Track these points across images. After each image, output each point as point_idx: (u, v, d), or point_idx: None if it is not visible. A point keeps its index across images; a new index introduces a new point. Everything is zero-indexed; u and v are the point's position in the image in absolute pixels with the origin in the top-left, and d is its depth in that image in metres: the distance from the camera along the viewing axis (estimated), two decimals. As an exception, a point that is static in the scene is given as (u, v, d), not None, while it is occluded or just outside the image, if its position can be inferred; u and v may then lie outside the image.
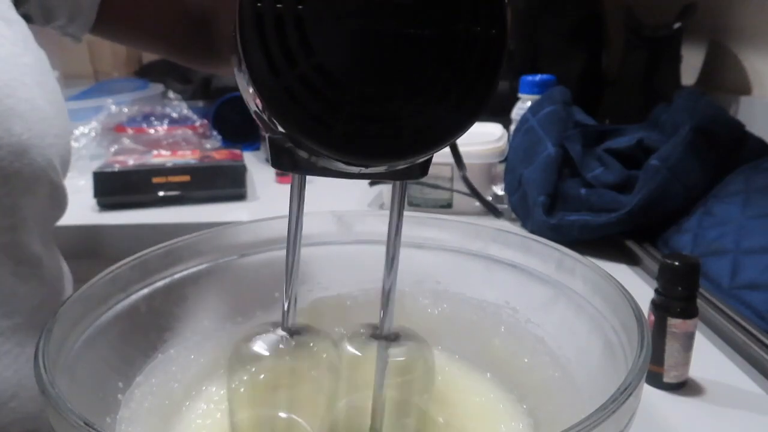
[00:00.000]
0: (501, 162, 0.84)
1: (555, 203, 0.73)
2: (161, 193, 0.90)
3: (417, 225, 0.42)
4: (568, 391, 0.33)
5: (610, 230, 0.70)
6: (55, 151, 0.42)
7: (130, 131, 1.10)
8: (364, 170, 0.22)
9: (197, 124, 1.16)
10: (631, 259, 0.69)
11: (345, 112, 0.19)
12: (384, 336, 0.29)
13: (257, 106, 0.21)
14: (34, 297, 0.43)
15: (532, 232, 0.72)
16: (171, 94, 1.30)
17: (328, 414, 0.30)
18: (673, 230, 0.69)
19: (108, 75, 1.42)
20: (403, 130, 0.20)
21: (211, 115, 1.22)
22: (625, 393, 0.23)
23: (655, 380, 0.47)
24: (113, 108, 1.12)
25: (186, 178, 0.91)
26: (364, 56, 0.19)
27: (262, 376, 0.28)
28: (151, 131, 1.12)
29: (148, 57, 1.49)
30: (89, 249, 0.82)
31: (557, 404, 0.34)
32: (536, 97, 0.89)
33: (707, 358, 0.51)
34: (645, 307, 0.44)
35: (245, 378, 0.28)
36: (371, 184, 0.90)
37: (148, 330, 0.37)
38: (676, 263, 0.45)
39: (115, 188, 0.88)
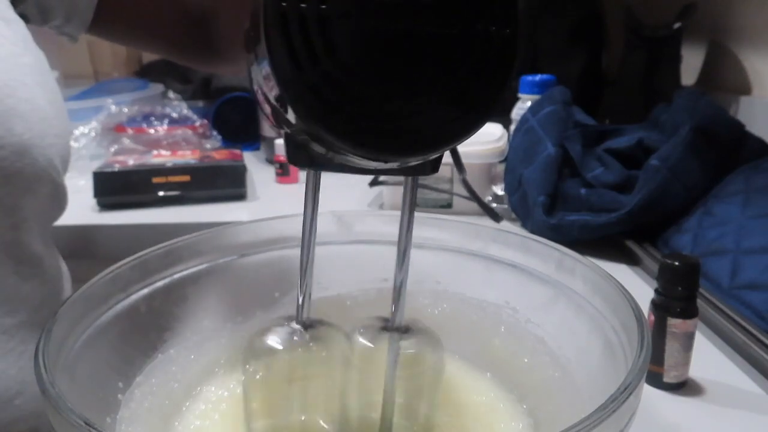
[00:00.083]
0: (501, 162, 0.84)
1: (555, 203, 0.73)
2: (161, 193, 0.90)
3: (417, 225, 0.42)
4: (568, 391, 0.33)
5: (610, 230, 0.70)
6: (56, 150, 0.43)
7: (130, 131, 1.10)
8: (380, 166, 0.23)
9: (197, 124, 1.16)
10: (631, 259, 0.69)
11: (366, 108, 0.20)
12: (395, 328, 0.29)
13: (276, 102, 0.21)
14: (35, 295, 0.44)
15: (532, 232, 0.72)
16: (171, 94, 1.30)
17: (341, 405, 0.30)
18: (673, 230, 0.69)
19: (108, 75, 1.42)
20: (421, 127, 0.21)
21: (211, 115, 1.22)
22: (625, 393, 0.23)
23: (655, 380, 0.47)
24: (113, 108, 1.12)
25: (186, 178, 0.91)
26: (383, 55, 0.20)
27: (276, 367, 0.29)
28: (151, 131, 1.12)
29: (148, 57, 1.49)
30: (89, 249, 0.82)
31: (557, 404, 0.34)
32: (536, 97, 0.89)
33: (707, 358, 0.51)
34: (645, 307, 0.44)
35: (260, 370, 0.29)
36: (371, 184, 0.90)
37: (148, 330, 0.37)
38: (676, 263, 0.45)
39: (115, 188, 0.88)
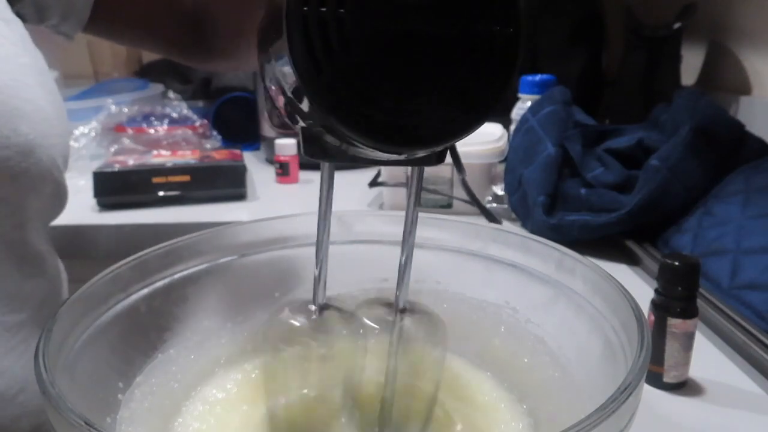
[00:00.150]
0: (501, 162, 0.84)
1: (555, 203, 0.73)
2: (161, 193, 0.90)
3: (417, 225, 0.42)
4: (568, 391, 0.33)
5: (610, 230, 0.70)
6: (58, 150, 0.43)
7: (130, 131, 1.10)
8: (389, 157, 0.25)
9: (197, 124, 1.16)
10: (631, 259, 0.69)
11: (377, 104, 0.21)
12: (399, 308, 0.31)
13: (293, 95, 0.23)
14: (38, 293, 0.44)
15: (532, 232, 0.72)
16: (171, 94, 1.30)
17: (350, 381, 0.32)
18: (673, 230, 0.69)
19: (108, 75, 1.42)
20: (427, 122, 0.22)
21: (211, 115, 1.22)
22: (625, 393, 0.23)
23: (655, 380, 0.47)
24: (113, 108, 1.12)
25: (186, 178, 0.91)
26: (394, 54, 0.21)
27: (294, 344, 0.31)
28: (151, 131, 1.12)
29: (148, 57, 1.49)
30: (89, 249, 0.82)
31: (557, 404, 0.34)
32: (536, 97, 0.89)
33: (707, 358, 0.51)
34: (645, 307, 0.44)
35: (280, 346, 0.31)
36: (371, 184, 0.90)
37: (148, 330, 0.37)
38: (676, 263, 0.45)
39: (115, 188, 0.88)
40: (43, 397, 0.24)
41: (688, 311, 0.45)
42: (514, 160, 0.81)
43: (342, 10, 0.20)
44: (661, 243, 0.70)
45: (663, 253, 0.63)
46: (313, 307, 0.31)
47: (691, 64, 1.06)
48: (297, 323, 0.30)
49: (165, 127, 1.13)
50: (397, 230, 0.33)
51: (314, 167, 0.96)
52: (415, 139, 0.22)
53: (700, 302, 0.47)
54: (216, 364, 0.39)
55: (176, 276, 0.38)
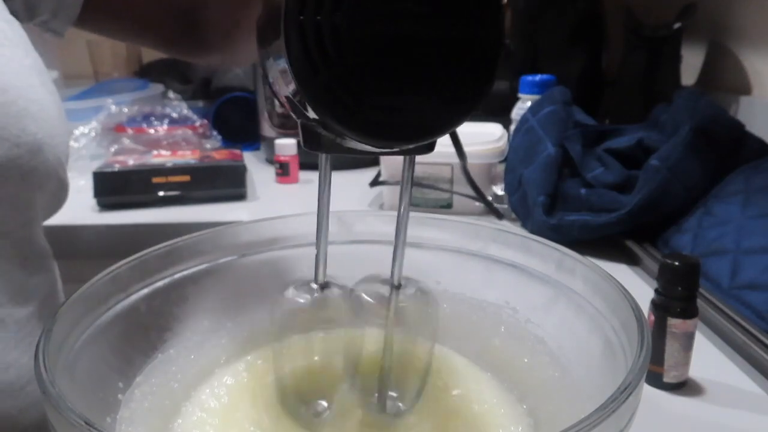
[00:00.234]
0: (501, 162, 0.84)
1: (555, 203, 0.73)
2: (161, 193, 0.90)
3: (417, 225, 0.42)
4: (568, 391, 0.33)
5: (610, 230, 0.70)
6: (62, 149, 0.44)
7: (130, 131, 1.10)
8: (381, 150, 0.27)
9: (197, 124, 1.16)
10: (631, 259, 0.69)
11: (369, 103, 0.23)
12: (395, 285, 0.33)
13: (292, 95, 0.25)
14: (42, 288, 0.45)
15: (532, 232, 0.72)
16: (171, 94, 1.30)
17: (350, 350, 0.35)
18: (673, 230, 0.69)
19: (108, 75, 1.42)
20: (414, 119, 0.24)
21: (211, 115, 1.22)
22: (625, 393, 0.23)
23: (655, 380, 0.47)
24: (113, 108, 1.12)
25: (186, 178, 0.91)
26: (384, 58, 0.23)
27: (299, 319, 0.34)
28: (151, 131, 1.12)
29: (148, 57, 1.49)
30: (89, 249, 0.82)
31: (557, 404, 0.34)
32: (536, 97, 0.89)
33: (707, 358, 0.51)
34: (645, 307, 0.44)
35: (286, 321, 0.34)
36: (371, 184, 0.90)
37: (148, 330, 0.37)
38: (676, 263, 0.45)
39: (115, 188, 0.88)
40: (43, 397, 0.24)
41: (688, 311, 0.45)
42: (514, 160, 0.81)
43: (337, 17, 0.22)
44: (661, 243, 0.70)
45: (663, 253, 0.63)
46: (315, 285, 0.33)
47: (691, 64, 1.06)
48: (301, 300, 0.33)
49: (165, 127, 1.13)
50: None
51: (314, 167, 0.96)
52: (404, 134, 0.24)
53: (700, 302, 0.47)
54: (216, 364, 0.39)
55: (176, 276, 0.38)
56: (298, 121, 0.28)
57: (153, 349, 0.37)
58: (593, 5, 1.11)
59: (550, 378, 0.35)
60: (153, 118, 1.14)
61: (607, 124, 0.98)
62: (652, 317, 0.46)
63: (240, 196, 0.93)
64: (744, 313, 0.54)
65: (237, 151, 1.01)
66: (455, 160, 0.77)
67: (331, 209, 0.42)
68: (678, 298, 0.45)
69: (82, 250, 0.81)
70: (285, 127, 1.05)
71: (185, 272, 0.39)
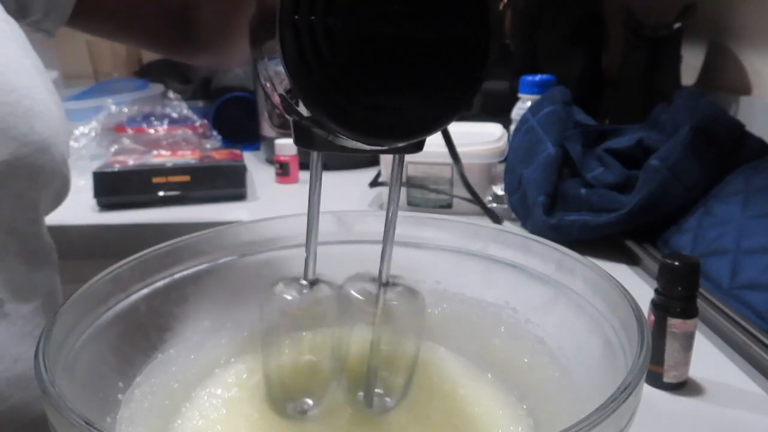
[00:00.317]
0: (501, 162, 0.84)
1: (555, 203, 0.73)
2: (161, 193, 0.90)
3: (417, 225, 0.42)
4: (568, 391, 0.33)
5: (610, 230, 0.70)
6: (65, 148, 0.45)
7: (130, 131, 1.10)
8: (372, 148, 0.27)
9: (197, 124, 1.16)
10: (631, 259, 0.69)
11: (361, 102, 0.24)
12: (383, 282, 0.34)
13: (286, 94, 0.25)
14: (47, 283, 0.46)
15: (532, 232, 0.72)
16: (171, 94, 1.30)
17: (338, 347, 0.35)
18: (673, 230, 0.69)
19: (108, 75, 1.42)
20: (404, 117, 0.25)
21: (211, 115, 1.22)
22: (625, 393, 0.23)
23: (655, 380, 0.47)
24: (113, 108, 1.12)
25: (186, 178, 0.91)
26: (375, 57, 0.23)
27: (286, 316, 0.34)
28: (151, 131, 1.12)
29: (148, 57, 1.49)
30: (89, 249, 0.82)
31: (557, 404, 0.34)
32: (536, 97, 0.89)
33: (707, 358, 0.51)
34: (645, 307, 0.44)
35: (275, 318, 0.34)
36: (371, 185, 0.90)
37: (148, 330, 0.37)
38: (676, 263, 0.45)
39: (115, 188, 0.88)
40: (43, 397, 0.24)
41: (688, 311, 0.45)
42: (514, 160, 0.81)
43: (330, 18, 0.22)
44: (661, 243, 0.70)
45: (663, 253, 0.63)
46: (304, 282, 0.33)
47: (691, 64, 1.06)
48: (289, 297, 0.33)
49: (165, 127, 1.13)
50: (398, 230, 0.33)
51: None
52: (395, 132, 0.25)
53: (700, 302, 0.47)
54: (216, 364, 0.39)
55: (176, 276, 0.38)
56: (291, 120, 0.28)
57: (153, 349, 0.37)
58: (593, 5, 1.11)
59: (550, 378, 0.35)
60: (153, 118, 1.14)
61: (607, 124, 0.98)
62: (652, 317, 0.46)
63: (240, 196, 0.93)
64: (744, 313, 0.54)
65: (237, 151, 1.01)
66: (455, 160, 0.77)
67: (331, 209, 0.42)
68: (678, 298, 0.45)
69: (82, 250, 0.80)
70: (285, 127, 1.05)
71: (185, 272, 0.39)
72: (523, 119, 0.85)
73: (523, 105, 0.92)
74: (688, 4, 1.00)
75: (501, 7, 1.09)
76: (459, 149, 0.76)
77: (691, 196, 0.69)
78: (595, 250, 0.69)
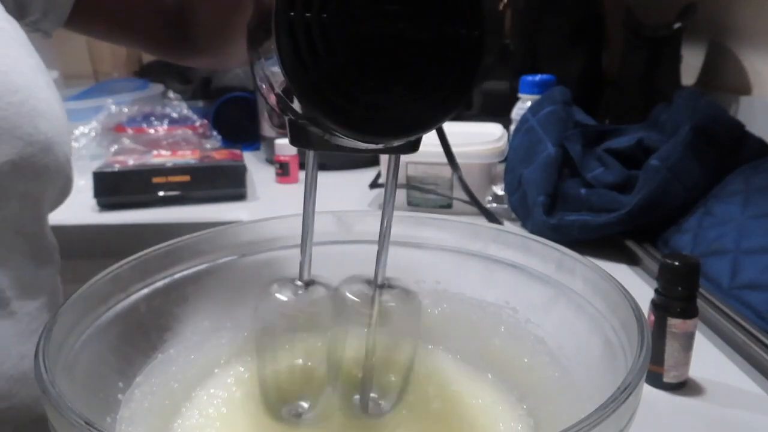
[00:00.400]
0: (501, 162, 0.84)
1: (555, 203, 0.73)
2: (161, 193, 0.90)
3: (417, 225, 0.42)
4: (568, 391, 0.33)
5: (610, 230, 0.70)
6: (68, 147, 0.45)
7: (130, 131, 1.10)
8: (368, 147, 0.27)
9: (197, 124, 1.16)
10: (631, 259, 0.69)
11: (357, 100, 0.24)
12: (378, 284, 0.33)
13: (282, 93, 0.25)
14: (52, 280, 0.46)
15: (532, 232, 0.72)
16: (171, 94, 1.30)
17: (333, 350, 0.35)
18: (673, 230, 0.69)
19: (108, 75, 1.42)
20: (399, 116, 0.25)
21: (211, 115, 1.22)
22: (625, 393, 0.23)
23: (655, 380, 0.47)
24: (113, 108, 1.12)
25: (186, 178, 0.91)
26: (371, 56, 0.24)
27: (281, 318, 0.34)
28: (151, 131, 1.12)
29: (148, 57, 1.49)
30: (89, 249, 0.82)
31: (557, 404, 0.34)
32: (536, 97, 0.89)
33: (707, 358, 0.51)
34: (645, 307, 0.44)
35: (270, 319, 0.34)
36: (371, 186, 0.90)
37: (148, 330, 0.37)
38: (676, 263, 0.45)
39: (115, 188, 0.88)
40: (43, 397, 0.24)
41: (688, 311, 0.45)
42: (514, 160, 0.81)
43: (325, 16, 0.22)
44: (661, 243, 0.70)
45: (663, 253, 0.63)
46: (299, 283, 0.33)
47: (691, 64, 1.06)
48: (284, 298, 0.33)
49: (165, 127, 1.13)
50: (398, 230, 0.33)
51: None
52: (390, 130, 0.25)
53: (700, 302, 0.47)
54: (216, 364, 0.39)
55: (176, 276, 0.38)
56: (287, 118, 0.28)
57: (153, 349, 0.37)
58: (593, 5, 1.11)
59: (550, 378, 0.35)
60: (153, 118, 1.14)
61: (607, 124, 0.98)
62: (652, 317, 0.46)
63: (240, 196, 0.93)
64: (744, 313, 0.54)
65: (237, 151, 1.01)
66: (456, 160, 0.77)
67: (331, 209, 0.42)
68: (678, 298, 0.45)
69: (82, 250, 0.80)
70: (285, 127, 1.05)
71: (185, 272, 0.39)
72: (523, 119, 0.85)
73: (523, 105, 0.92)
74: (688, 4, 1.00)
75: (501, 7, 1.09)
76: (459, 149, 0.77)
77: (691, 196, 0.69)
78: (595, 250, 0.69)
